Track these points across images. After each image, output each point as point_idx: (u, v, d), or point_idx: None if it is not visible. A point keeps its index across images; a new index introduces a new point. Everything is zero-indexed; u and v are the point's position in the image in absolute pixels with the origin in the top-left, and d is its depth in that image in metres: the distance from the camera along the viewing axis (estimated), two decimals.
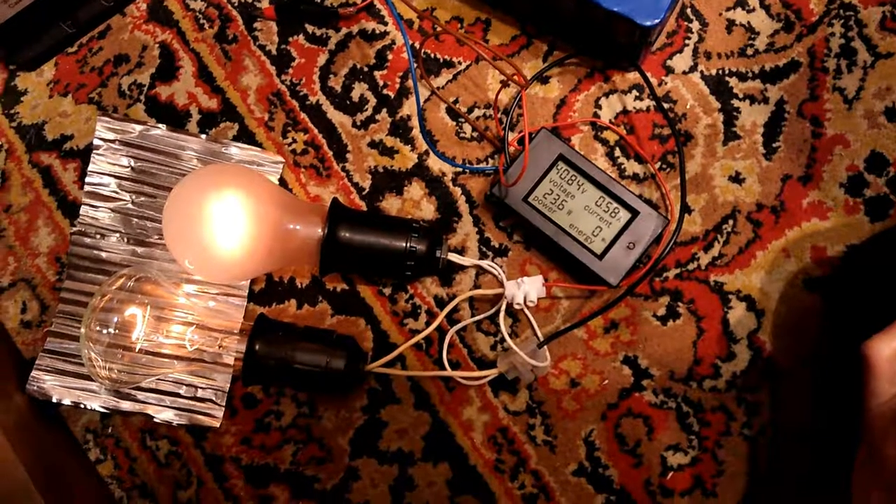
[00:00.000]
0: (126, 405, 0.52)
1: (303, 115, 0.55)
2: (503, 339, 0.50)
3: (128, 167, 0.54)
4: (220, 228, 0.47)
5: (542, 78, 0.53)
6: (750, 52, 0.51)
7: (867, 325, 0.40)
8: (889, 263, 0.47)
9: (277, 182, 0.54)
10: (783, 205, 0.50)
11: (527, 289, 0.48)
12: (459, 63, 0.54)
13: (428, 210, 0.53)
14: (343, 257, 0.49)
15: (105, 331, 0.48)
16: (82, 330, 0.47)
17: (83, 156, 0.56)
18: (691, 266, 0.50)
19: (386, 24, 0.55)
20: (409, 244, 0.49)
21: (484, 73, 0.54)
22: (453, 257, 0.50)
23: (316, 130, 0.55)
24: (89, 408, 0.52)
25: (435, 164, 0.53)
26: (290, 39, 0.56)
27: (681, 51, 0.52)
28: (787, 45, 0.52)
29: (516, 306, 0.48)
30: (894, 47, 0.50)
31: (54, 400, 0.52)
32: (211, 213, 0.46)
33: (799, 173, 0.50)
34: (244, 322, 0.51)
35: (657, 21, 0.44)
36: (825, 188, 0.50)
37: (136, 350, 0.48)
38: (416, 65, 0.54)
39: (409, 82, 0.54)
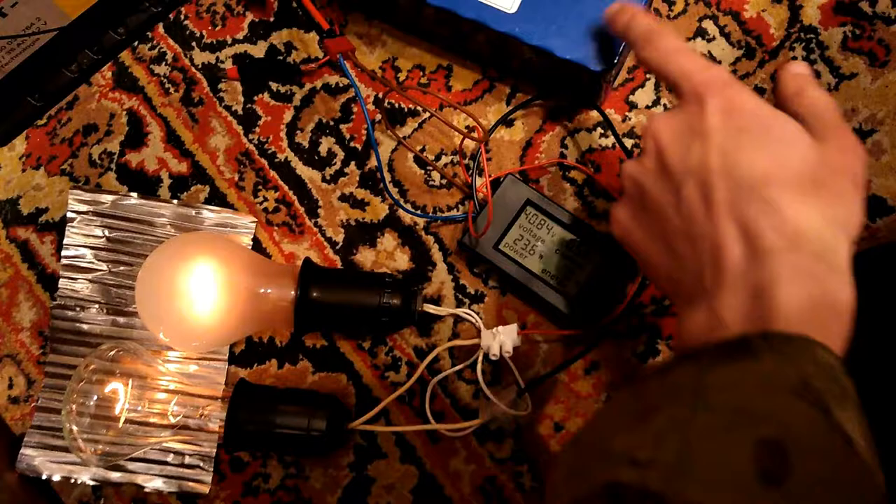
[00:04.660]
0: (116, 476, 0.52)
1: (272, 173, 0.55)
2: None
3: (102, 237, 0.54)
4: (192, 300, 0.47)
5: (506, 121, 0.53)
6: None
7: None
8: (863, 287, 0.47)
9: (251, 242, 0.54)
10: None
11: (502, 339, 0.47)
12: (424, 111, 0.54)
13: (402, 260, 0.53)
14: (317, 317, 0.49)
15: (87, 409, 0.48)
16: (63, 412, 0.47)
17: (59, 228, 0.56)
18: (668, 301, 0.50)
19: (350, 74, 0.55)
20: (382, 299, 0.49)
21: (448, 119, 0.53)
22: (429, 308, 0.50)
23: (286, 187, 0.55)
24: (80, 481, 0.52)
25: (406, 214, 0.53)
26: (256, 98, 0.56)
27: (642, 85, 0.52)
28: (750, 72, 0.51)
29: (493, 357, 0.48)
30: (857, 68, 0.50)
31: (44, 476, 0.52)
32: (181, 286, 0.47)
33: None
34: (225, 389, 0.51)
35: (610, 67, 0.44)
36: None
37: (120, 424, 0.49)
38: (380, 118, 0.54)
39: (376, 134, 0.54)
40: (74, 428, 0.48)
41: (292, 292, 0.48)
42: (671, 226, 0.35)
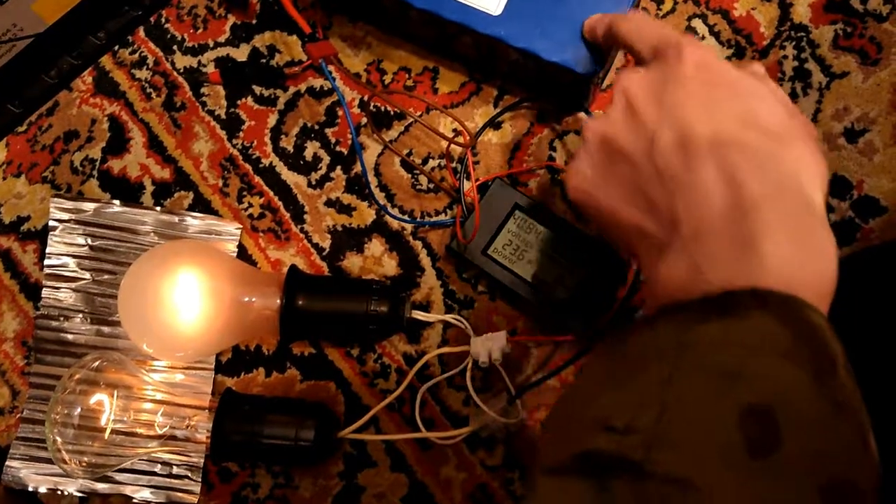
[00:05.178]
0: (102, 487, 0.51)
1: (257, 179, 0.54)
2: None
3: (85, 246, 0.53)
4: (175, 311, 0.46)
5: (494, 123, 0.52)
6: None
7: None
8: (855, 289, 0.46)
9: (236, 249, 0.53)
10: None
11: (491, 346, 0.47)
12: (410, 114, 0.53)
13: (390, 266, 0.52)
14: (304, 325, 0.49)
15: (72, 420, 0.47)
16: (47, 424, 0.47)
17: (41, 236, 0.55)
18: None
19: (333, 79, 0.54)
20: (369, 307, 0.48)
21: (435, 122, 0.53)
22: (417, 314, 0.50)
23: (271, 193, 0.54)
24: (67, 493, 0.52)
25: (394, 218, 0.52)
26: (239, 102, 0.55)
27: None
28: None
29: (482, 364, 0.47)
30: (849, 66, 0.49)
31: (30, 488, 0.51)
32: (164, 297, 0.46)
33: None
34: (212, 399, 0.51)
35: (597, 69, 0.43)
36: None
37: (106, 436, 0.48)
38: (366, 122, 0.53)
39: (361, 138, 0.53)
40: (58, 439, 0.48)
41: (278, 301, 0.47)
42: (643, 175, 0.33)
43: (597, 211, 0.36)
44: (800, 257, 0.29)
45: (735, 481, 0.24)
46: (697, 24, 0.51)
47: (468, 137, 0.48)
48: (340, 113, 0.54)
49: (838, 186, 0.49)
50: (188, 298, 0.46)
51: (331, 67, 0.52)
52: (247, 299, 0.48)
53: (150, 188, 0.55)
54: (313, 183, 0.54)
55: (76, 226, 0.54)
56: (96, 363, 0.49)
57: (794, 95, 0.50)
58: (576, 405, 0.31)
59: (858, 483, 0.25)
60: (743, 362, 0.26)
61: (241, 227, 0.53)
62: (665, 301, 0.31)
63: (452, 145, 0.51)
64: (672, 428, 0.25)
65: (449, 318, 0.50)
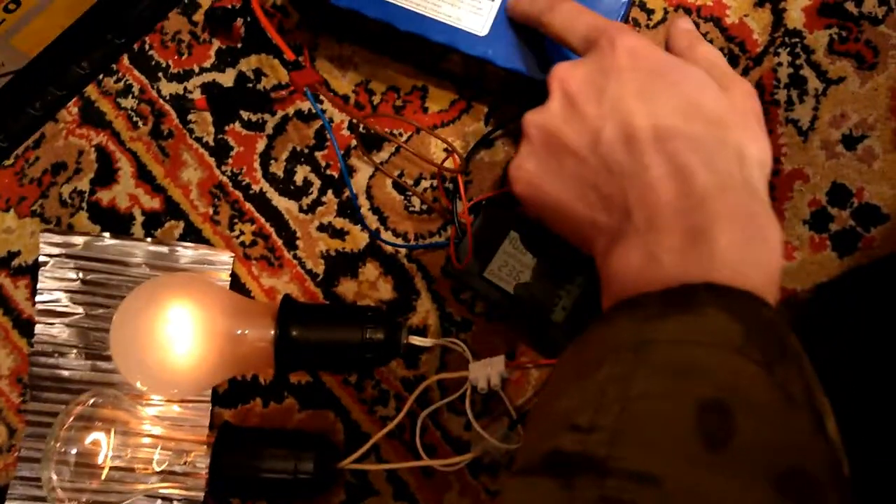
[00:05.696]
0: None
1: (248, 206, 0.53)
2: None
3: (77, 280, 0.53)
4: (167, 347, 0.45)
5: (486, 141, 0.51)
6: None
7: (841, 366, 0.39)
8: (860, 300, 0.46)
9: (229, 278, 0.52)
10: None
11: (489, 372, 0.46)
12: (401, 135, 0.52)
13: (385, 290, 0.51)
14: (298, 357, 0.48)
15: (69, 459, 0.47)
16: (42, 464, 0.46)
17: (33, 271, 0.54)
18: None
19: (321, 101, 0.53)
20: (365, 335, 0.47)
21: (426, 142, 0.52)
22: (414, 340, 0.49)
23: (263, 220, 0.53)
24: None
25: (385, 244, 0.52)
26: (227, 128, 0.54)
27: None
28: None
29: (481, 391, 0.46)
30: (845, 71, 0.48)
31: None
32: (156, 334, 0.45)
33: None
34: (210, 433, 0.50)
35: None
36: (789, 227, 0.48)
37: (104, 475, 0.47)
38: (355, 144, 0.52)
39: (352, 160, 0.52)
40: (54, 478, 0.47)
41: (272, 332, 0.47)
42: (591, 168, 0.34)
43: (544, 205, 0.37)
44: (748, 248, 0.30)
45: (692, 473, 0.24)
46: None
47: (459, 161, 0.47)
48: (329, 136, 0.53)
49: (838, 195, 0.48)
50: (180, 334, 0.45)
51: (317, 92, 0.51)
52: (240, 332, 0.47)
53: (140, 218, 0.54)
54: (305, 208, 0.53)
55: (67, 260, 0.53)
56: (92, 401, 0.48)
57: (789, 103, 0.49)
58: (544, 405, 0.31)
59: (812, 471, 0.25)
60: (700, 358, 0.27)
61: (233, 255, 0.53)
62: (621, 290, 0.32)
63: (445, 163, 0.50)
64: (633, 423, 0.26)
65: (446, 342, 0.49)
